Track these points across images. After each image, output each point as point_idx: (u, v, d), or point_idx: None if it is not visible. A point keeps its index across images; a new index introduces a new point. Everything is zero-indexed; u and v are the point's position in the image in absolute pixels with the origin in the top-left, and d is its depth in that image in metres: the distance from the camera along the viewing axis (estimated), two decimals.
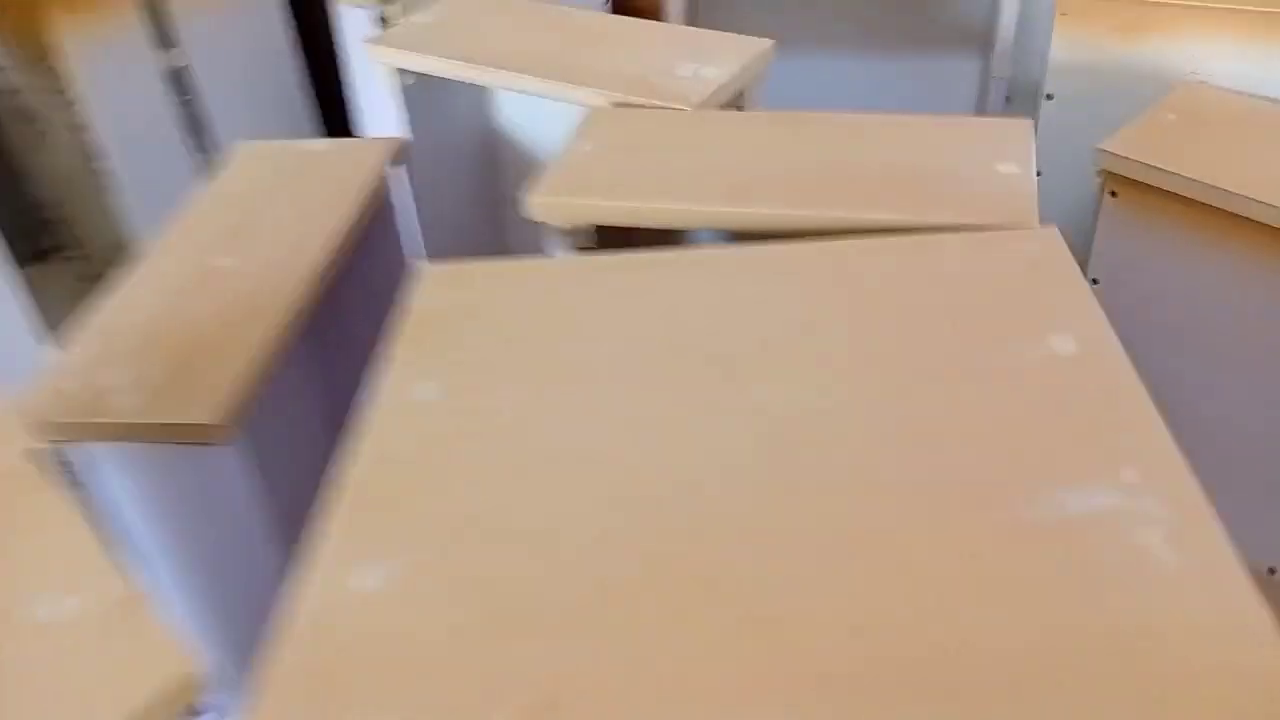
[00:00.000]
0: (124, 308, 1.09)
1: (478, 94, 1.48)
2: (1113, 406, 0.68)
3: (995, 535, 0.59)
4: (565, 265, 0.90)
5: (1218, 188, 1.10)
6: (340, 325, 1.44)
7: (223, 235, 1.22)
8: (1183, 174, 1.12)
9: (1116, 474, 0.62)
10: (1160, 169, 1.14)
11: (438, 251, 1.49)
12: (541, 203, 0.95)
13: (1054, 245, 0.84)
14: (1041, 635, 0.53)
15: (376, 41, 1.36)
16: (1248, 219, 1.09)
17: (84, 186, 1.89)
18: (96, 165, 1.82)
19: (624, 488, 0.65)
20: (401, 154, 1.40)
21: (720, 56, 1.19)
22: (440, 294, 0.84)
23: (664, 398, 0.72)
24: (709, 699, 0.52)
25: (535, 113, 1.49)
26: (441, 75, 1.28)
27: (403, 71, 1.35)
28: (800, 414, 0.69)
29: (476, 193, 1.57)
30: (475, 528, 0.63)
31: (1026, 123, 1.03)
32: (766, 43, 1.23)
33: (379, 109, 1.65)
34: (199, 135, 1.87)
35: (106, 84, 1.73)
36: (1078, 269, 0.80)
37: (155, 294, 1.12)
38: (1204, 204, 1.12)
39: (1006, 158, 0.96)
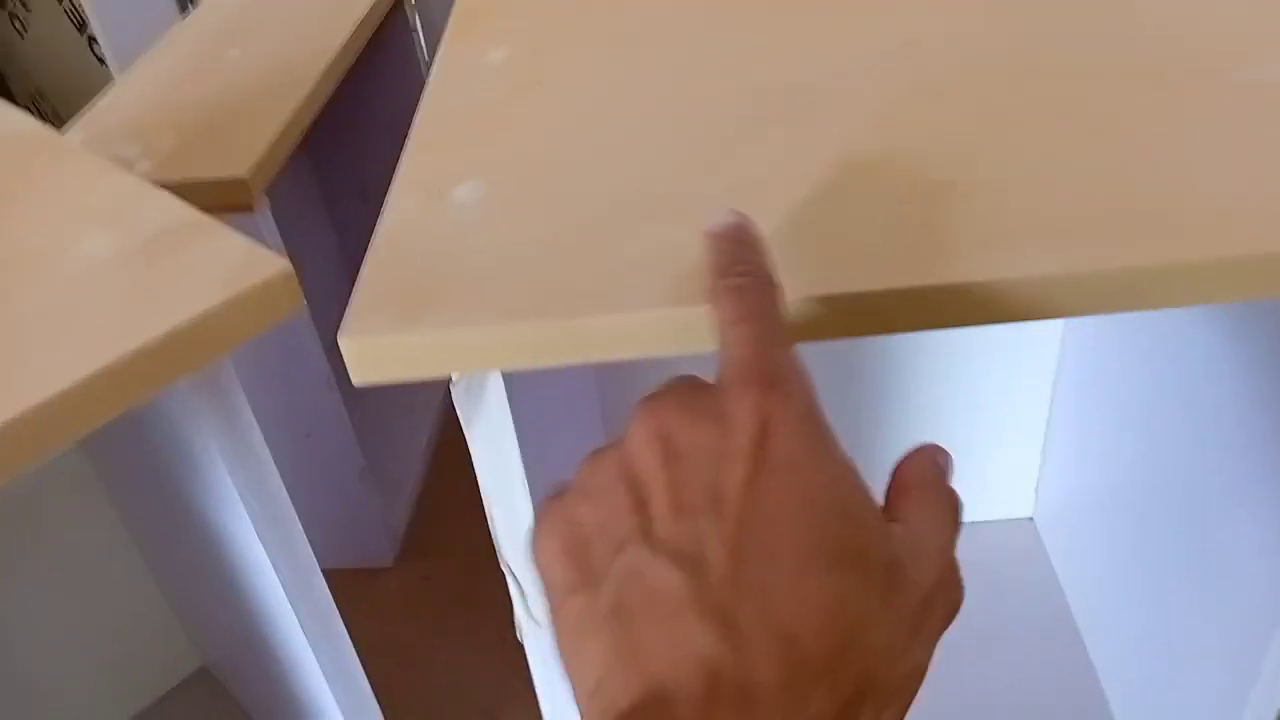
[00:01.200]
0: (126, 94, 1.00)
1: None
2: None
3: (1188, 101, 0.51)
4: None
5: None
6: (359, 124, 1.35)
7: (230, 29, 1.12)
8: None
9: None
10: None
11: None
12: None
13: None
14: (1268, 175, 0.45)
15: None
16: None
17: (78, 61, 1.78)
18: (85, 36, 1.72)
19: (726, 100, 0.56)
20: None
21: None
22: None
23: (762, 35, 0.63)
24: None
25: None
26: None
27: None
28: (934, 35, 0.60)
29: None
30: (560, 149, 0.54)
31: None
32: None
33: None
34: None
35: None
36: None
37: (160, 81, 1.03)
38: None
39: None
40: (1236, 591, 0.68)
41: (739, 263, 0.36)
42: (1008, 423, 1.05)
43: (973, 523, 1.11)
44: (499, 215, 0.50)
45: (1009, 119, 0.51)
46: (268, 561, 0.58)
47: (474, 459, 0.52)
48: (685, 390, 0.33)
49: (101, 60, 1.73)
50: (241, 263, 0.47)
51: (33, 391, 0.41)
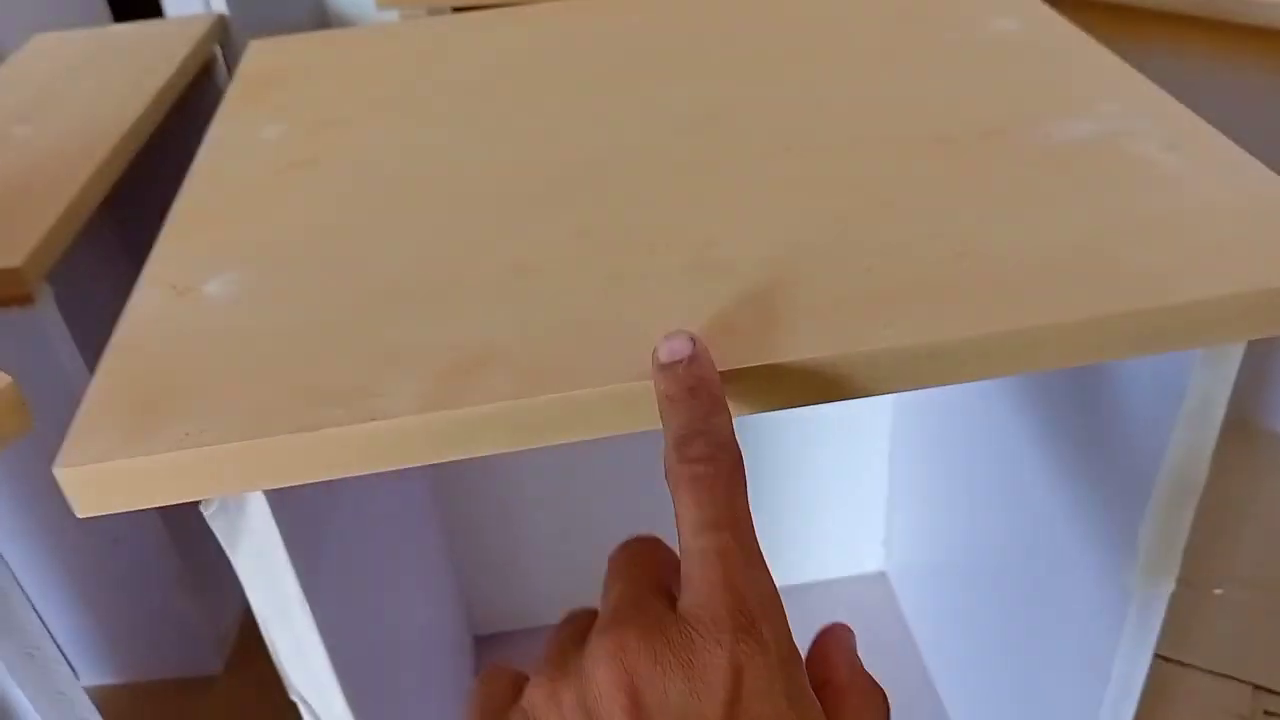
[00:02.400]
0: None
1: None
2: (1073, 61, 0.60)
3: (976, 165, 0.50)
4: (416, 24, 0.77)
5: None
6: (168, 198, 1.27)
7: (19, 107, 1.04)
8: None
9: (1094, 108, 0.54)
10: None
11: None
12: None
13: None
14: (1055, 236, 0.44)
15: None
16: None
17: None
18: None
19: (506, 179, 0.53)
20: (221, 31, 1.26)
21: None
22: (272, 57, 0.71)
23: (549, 107, 0.60)
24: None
25: None
26: None
27: None
28: (727, 104, 0.58)
29: None
30: (324, 234, 0.50)
31: None
32: None
33: None
34: None
35: None
36: None
37: None
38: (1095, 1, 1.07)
39: None
40: (1074, 643, 0.68)
41: (698, 433, 0.33)
42: (853, 478, 1.04)
43: (827, 580, 1.10)
44: (253, 312, 0.45)
45: (798, 192, 0.49)
46: (28, 704, 0.51)
47: (244, 584, 0.47)
48: (653, 624, 0.30)
49: None
50: None
51: None
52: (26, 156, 0.94)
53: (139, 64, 1.11)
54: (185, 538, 1.10)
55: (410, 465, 0.38)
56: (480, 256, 0.47)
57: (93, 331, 0.91)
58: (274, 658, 0.50)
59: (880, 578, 1.11)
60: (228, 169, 0.57)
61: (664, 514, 0.34)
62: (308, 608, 0.48)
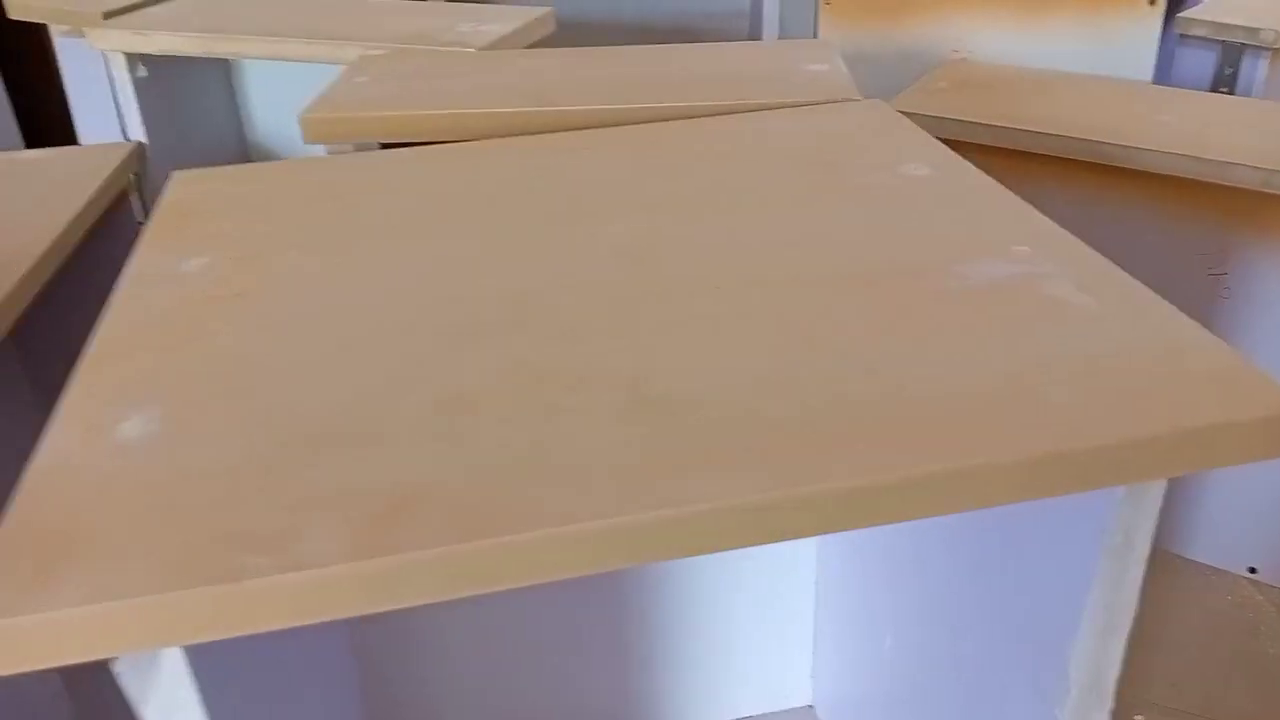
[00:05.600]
0: None
1: (223, 84, 1.34)
2: (984, 205, 0.62)
3: (899, 304, 0.51)
4: (344, 158, 0.77)
5: (1012, 128, 1.11)
6: (75, 325, 1.23)
7: None
8: (973, 120, 1.13)
9: (1008, 251, 0.56)
10: (947, 118, 1.14)
11: None
12: (317, 119, 0.83)
13: (886, 110, 0.80)
14: (979, 376, 0.45)
15: (104, 26, 1.20)
16: (1040, 154, 1.11)
17: None
18: None
19: (435, 312, 0.52)
20: (138, 160, 1.24)
21: (501, 18, 1.13)
22: (196, 187, 0.70)
23: (479, 242, 0.60)
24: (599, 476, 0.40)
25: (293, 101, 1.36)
26: (183, 54, 1.13)
27: (132, 62, 1.19)
28: (658, 241, 0.59)
29: None
30: (249, 369, 0.49)
31: (826, 41, 1.01)
32: (547, 9, 1.17)
33: (99, 122, 1.48)
34: None
35: None
36: (914, 125, 0.76)
37: None
38: (991, 146, 1.13)
39: (816, 61, 0.93)
40: None
41: None
42: (780, 612, 1.03)
43: (756, 716, 1.07)
44: (171, 453, 0.43)
45: (729, 329, 0.50)
46: None
47: None
48: None
49: None
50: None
51: None
52: None
53: (51, 190, 1.08)
54: (80, 681, 1.03)
55: (338, 616, 0.36)
56: (409, 392, 0.46)
57: None
58: None
59: (808, 712, 1.09)
60: (148, 300, 0.55)
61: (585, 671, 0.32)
62: None
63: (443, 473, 0.40)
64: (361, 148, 0.85)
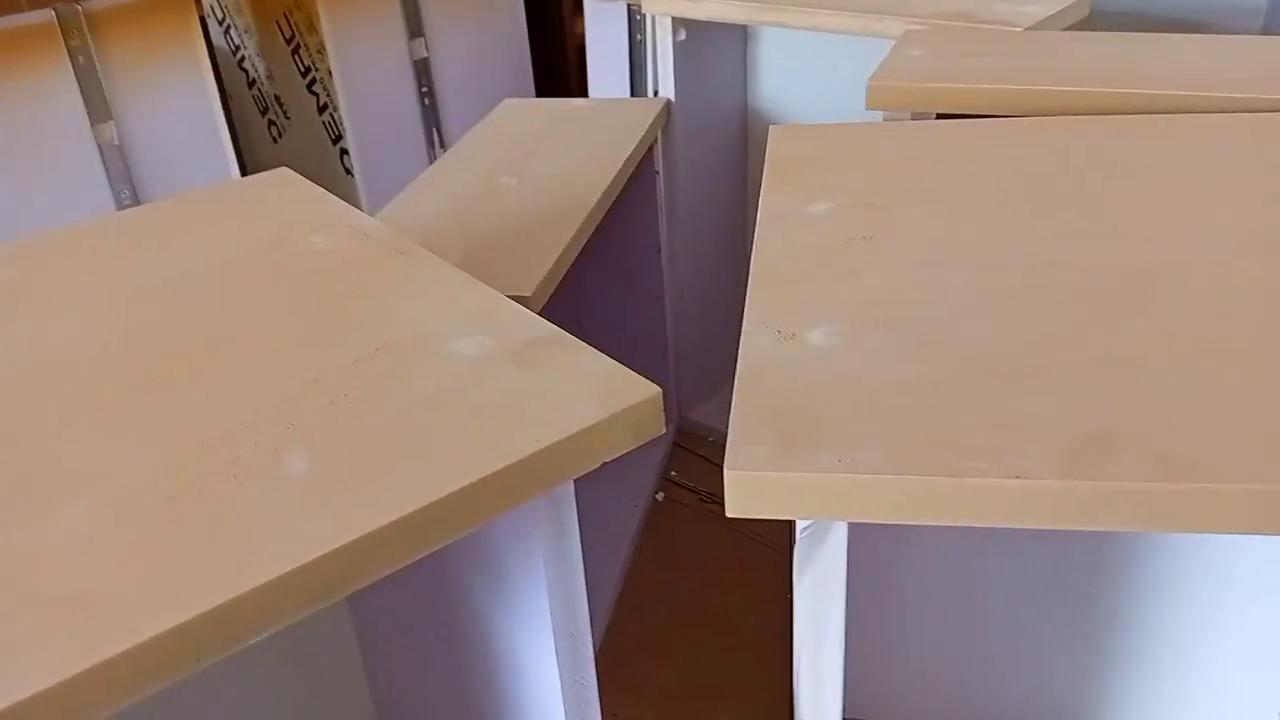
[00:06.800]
0: (409, 210, 1.07)
1: (739, 51, 1.46)
2: None
3: None
4: (924, 124, 0.83)
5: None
6: (595, 280, 1.40)
7: (503, 159, 1.19)
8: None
9: None
10: None
11: (687, 230, 1.45)
12: (885, 87, 0.89)
13: None
14: None
15: None
16: None
17: (325, 170, 1.92)
18: (338, 148, 1.85)
19: (1058, 273, 0.56)
20: (666, 115, 1.38)
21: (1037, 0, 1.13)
22: (797, 142, 0.78)
23: (1081, 215, 0.63)
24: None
25: (803, 76, 1.45)
26: (728, 20, 1.24)
27: (676, 25, 1.32)
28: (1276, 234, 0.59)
29: (732, 165, 1.53)
30: (904, 302, 0.55)
31: None
32: None
33: (613, 78, 1.66)
34: (436, 126, 1.90)
35: (357, 72, 1.77)
36: None
37: (440, 201, 1.09)
38: None
39: None
40: None
41: None
42: (1253, 636, 0.98)
43: None
44: (862, 364, 0.50)
45: None
46: (558, 685, 0.57)
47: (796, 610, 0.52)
48: None
49: (349, 172, 1.86)
50: (615, 382, 0.49)
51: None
52: (517, 204, 1.07)
53: (607, 135, 1.24)
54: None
55: (1044, 527, 0.41)
56: (1067, 345, 0.50)
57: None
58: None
59: None
60: (791, 237, 0.64)
61: None
62: (840, 641, 0.52)
63: (1128, 421, 0.44)
64: (918, 117, 0.91)
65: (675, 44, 1.33)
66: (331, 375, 0.52)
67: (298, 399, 0.50)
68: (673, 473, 1.48)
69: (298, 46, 1.85)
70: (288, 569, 0.38)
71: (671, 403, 1.52)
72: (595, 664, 1.22)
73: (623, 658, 1.26)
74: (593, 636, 1.24)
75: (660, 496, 1.45)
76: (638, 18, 1.64)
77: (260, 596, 0.37)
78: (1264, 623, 0.97)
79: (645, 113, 1.30)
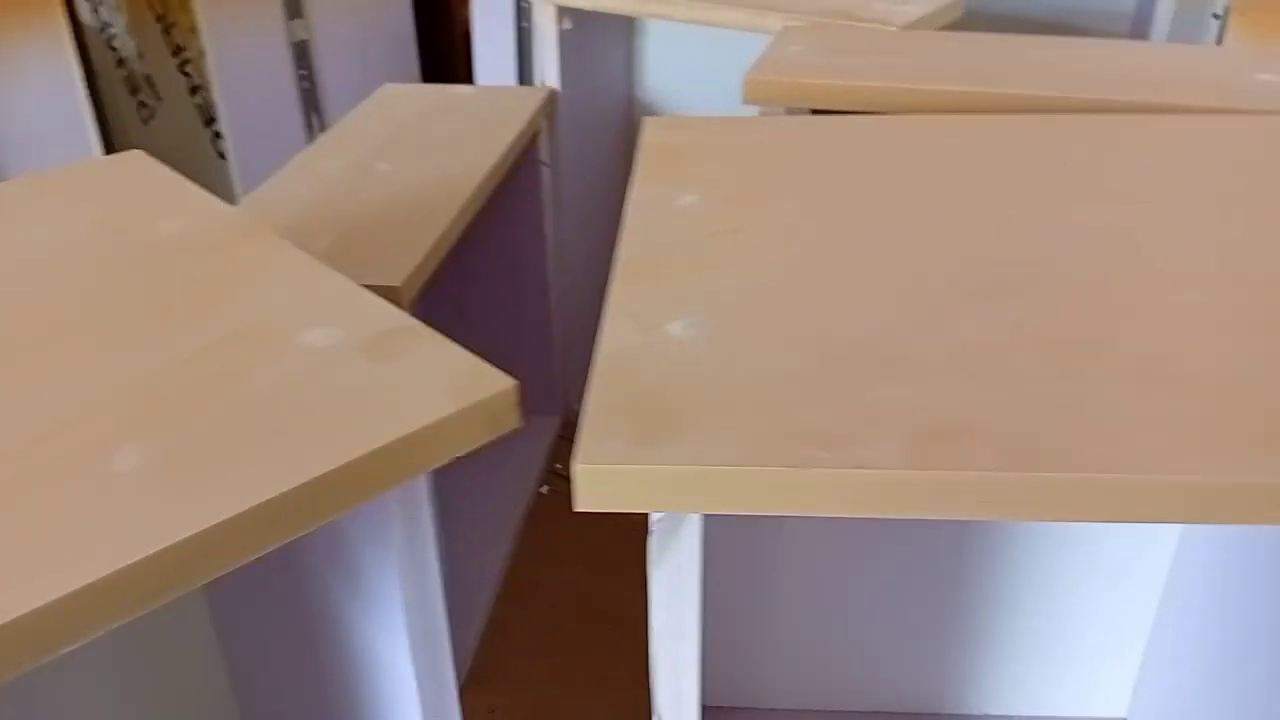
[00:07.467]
0: (278, 194, 1.03)
1: (624, 43, 1.45)
2: None
3: None
4: (799, 120, 0.83)
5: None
6: (480, 271, 1.38)
7: (379, 144, 1.17)
8: None
9: None
10: None
11: (573, 221, 1.44)
12: (762, 81, 0.89)
13: None
14: None
15: None
16: None
17: (197, 153, 1.85)
18: (211, 131, 1.79)
19: (926, 266, 0.57)
20: (551, 105, 1.37)
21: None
22: (672, 134, 0.78)
23: (947, 212, 0.64)
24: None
25: (688, 69, 1.45)
26: (613, 12, 1.24)
27: (560, 15, 1.31)
28: (1134, 229, 0.61)
29: (617, 156, 1.52)
30: (769, 295, 0.55)
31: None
32: None
33: (499, 67, 1.64)
34: (316, 110, 1.84)
35: (232, 53, 1.70)
36: None
37: (311, 186, 1.06)
38: None
39: (1266, 70, 0.91)
40: None
41: None
42: (1117, 617, 1.02)
43: (1065, 718, 1.07)
44: (720, 355, 0.50)
45: (1213, 318, 0.52)
46: (414, 683, 0.56)
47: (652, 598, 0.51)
48: None
49: (223, 156, 1.79)
50: (469, 374, 0.48)
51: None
52: (392, 191, 1.05)
53: (483, 125, 1.22)
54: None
55: (888, 516, 0.42)
56: (928, 335, 0.51)
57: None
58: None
59: None
60: (657, 229, 0.63)
61: None
62: (696, 632, 0.52)
63: (982, 409, 0.45)
64: (792, 112, 0.92)
65: (561, 33, 1.32)
66: (172, 366, 0.49)
67: (134, 391, 0.48)
68: (558, 465, 1.47)
69: (170, 25, 1.78)
70: (102, 574, 0.36)
71: (557, 395, 1.51)
72: (474, 660, 1.21)
73: (504, 653, 1.24)
74: (472, 632, 1.23)
75: (545, 490, 1.44)
76: (524, 5, 1.62)
77: (72, 602, 0.35)
78: (1122, 607, 1.01)
79: (528, 102, 1.29)
